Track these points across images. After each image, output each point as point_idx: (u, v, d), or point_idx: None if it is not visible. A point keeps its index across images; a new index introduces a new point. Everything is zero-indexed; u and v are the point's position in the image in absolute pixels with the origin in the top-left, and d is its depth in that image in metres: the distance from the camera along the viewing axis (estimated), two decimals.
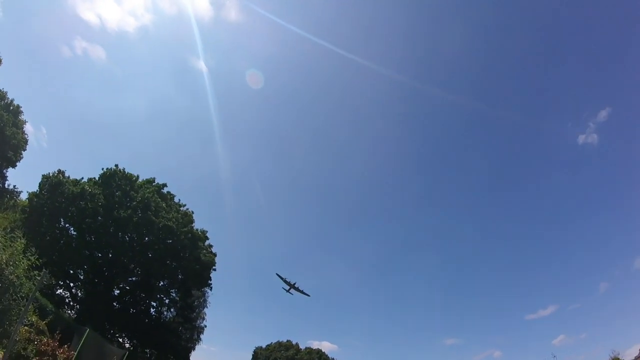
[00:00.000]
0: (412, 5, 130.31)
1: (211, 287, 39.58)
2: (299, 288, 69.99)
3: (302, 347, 67.13)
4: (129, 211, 35.61)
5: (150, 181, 37.80)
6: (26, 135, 46.61)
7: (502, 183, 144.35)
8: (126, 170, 36.98)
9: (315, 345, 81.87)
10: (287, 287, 69.49)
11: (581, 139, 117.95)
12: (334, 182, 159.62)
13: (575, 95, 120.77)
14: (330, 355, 72.31)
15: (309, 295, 71.90)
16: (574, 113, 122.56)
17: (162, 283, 37.35)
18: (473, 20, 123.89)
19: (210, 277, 38.32)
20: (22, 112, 46.35)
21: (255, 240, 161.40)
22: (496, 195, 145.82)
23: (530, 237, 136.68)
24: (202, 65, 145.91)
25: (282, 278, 68.27)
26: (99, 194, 36.81)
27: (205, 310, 42.79)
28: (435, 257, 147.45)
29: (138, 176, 37.19)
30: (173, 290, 37.99)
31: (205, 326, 42.91)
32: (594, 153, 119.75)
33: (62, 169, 38.47)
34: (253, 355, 67.43)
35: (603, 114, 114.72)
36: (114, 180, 36.80)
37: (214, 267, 38.23)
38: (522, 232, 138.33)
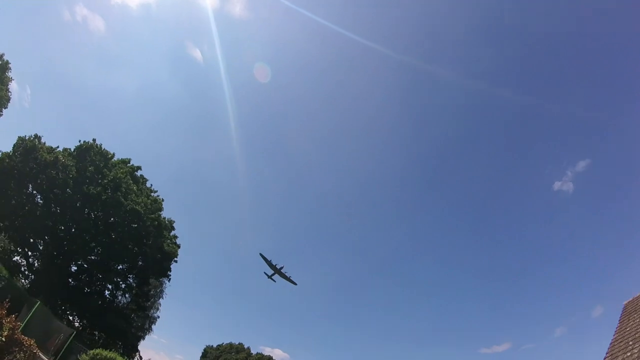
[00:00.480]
0: None
1: (170, 278, 42.56)
2: (286, 274, 66.48)
3: (253, 351, 69.72)
4: (99, 188, 38.36)
5: (125, 161, 40.53)
6: (10, 93, 49.27)
7: (469, 215, 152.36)
8: (103, 147, 39.65)
9: (267, 351, 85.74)
10: (271, 272, 65.88)
11: (557, 185, 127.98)
12: (321, 185, 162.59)
13: (559, 141, 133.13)
14: None
15: (295, 284, 68.64)
16: (554, 159, 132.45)
17: (120, 267, 40.08)
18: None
19: (171, 268, 41.23)
20: (10, 68, 49.02)
21: (227, 239, 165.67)
22: (463, 225, 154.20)
23: (494, 271, 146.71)
24: (198, 54, 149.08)
25: (266, 260, 64.11)
26: (72, 166, 39.51)
27: (161, 300, 45.68)
28: (398, 281, 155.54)
29: (114, 154, 39.90)
30: (131, 276, 40.70)
31: (159, 317, 45.85)
32: (568, 201, 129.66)
33: (39, 134, 41.21)
34: (203, 353, 69.71)
35: (582, 165, 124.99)
36: (89, 155, 39.49)
37: (175, 259, 41.10)
38: (486, 265, 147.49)
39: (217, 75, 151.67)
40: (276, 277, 67.71)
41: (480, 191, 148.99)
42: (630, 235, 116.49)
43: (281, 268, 65.38)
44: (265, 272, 66.66)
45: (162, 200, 40.89)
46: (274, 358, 71.38)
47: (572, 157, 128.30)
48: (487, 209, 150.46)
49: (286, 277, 66.72)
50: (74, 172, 39.26)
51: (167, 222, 40.89)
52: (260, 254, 64.63)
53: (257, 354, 69.25)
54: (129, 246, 38.52)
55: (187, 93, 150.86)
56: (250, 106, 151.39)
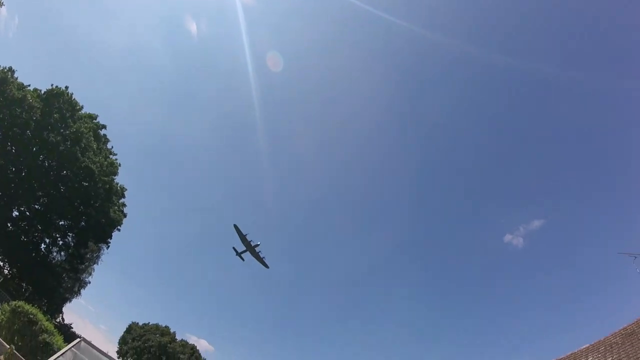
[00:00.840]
0: None
1: (109, 246, 43.37)
2: (260, 254, 62.61)
3: (178, 337, 70.33)
4: (59, 138, 39.25)
5: (92, 117, 41.44)
6: None
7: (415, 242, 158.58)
8: (73, 97, 40.54)
9: (192, 340, 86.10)
10: (242, 249, 61.82)
11: (507, 238, 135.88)
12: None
13: (520, 197, 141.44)
14: (203, 355, 75.89)
15: (267, 267, 64.71)
16: (511, 212, 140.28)
17: (62, 222, 40.90)
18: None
19: (112, 236, 42.11)
20: None
21: (186, 220, 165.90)
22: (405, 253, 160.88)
23: (428, 309, 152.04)
24: (194, 28, 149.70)
25: (240, 233, 59.90)
26: (38, 108, 40.42)
27: (95, 266, 46.36)
28: (340, 299, 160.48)
29: (82, 107, 40.80)
30: (70, 235, 41.52)
31: (90, 282, 46.53)
32: (514, 255, 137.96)
33: (13, 68, 42.19)
34: (127, 328, 69.74)
35: (536, 224, 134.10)
36: (58, 101, 40.39)
37: (119, 227, 41.98)
38: (421, 303, 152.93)
39: (211, 54, 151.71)
40: (247, 256, 63.57)
41: (433, 228, 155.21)
42: (564, 301, 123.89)
43: (256, 246, 61.73)
44: (234, 248, 62.91)
45: (119, 165, 41.91)
46: (197, 348, 72.62)
47: (529, 214, 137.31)
48: (433, 246, 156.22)
49: (259, 257, 63.13)
50: (38, 115, 40.13)
51: (118, 188, 41.76)
52: (235, 226, 60.15)
53: (182, 340, 69.88)
54: (75, 204, 39.36)
55: (174, 65, 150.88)
56: (238, 88, 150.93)
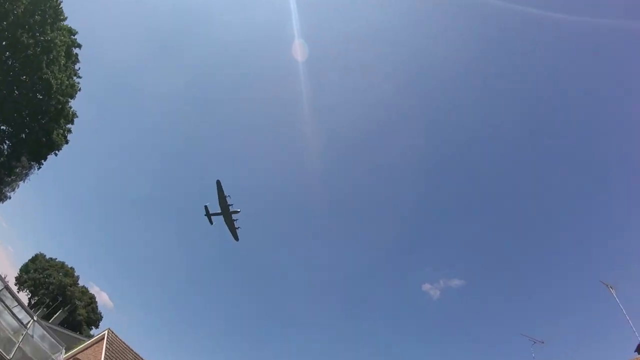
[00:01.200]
0: None
1: (40, 167, 42.77)
2: (235, 223, 57.87)
3: (80, 283, 70.65)
4: (31, 41, 38.68)
5: (71, 31, 41.01)
6: None
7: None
8: (61, 5, 40.05)
9: (94, 290, 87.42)
10: (218, 210, 57.14)
11: (426, 287, 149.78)
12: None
13: (450, 253, 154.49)
14: (100, 308, 77.74)
15: (237, 240, 59.98)
16: (436, 265, 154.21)
17: (4, 127, 40.25)
18: None
19: (47, 158, 41.55)
20: None
21: (131, 168, 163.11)
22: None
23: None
24: None
25: (221, 192, 55.39)
26: (23, 4, 39.77)
27: (21, 183, 45.59)
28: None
29: (66, 18, 40.32)
30: (8, 142, 40.87)
31: (10, 198, 45.73)
32: (426, 304, 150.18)
33: None
34: (33, 258, 69.15)
35: (455, 282, 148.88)
36: (44, 4, 39.78)
37: (57, 151, 41.47)
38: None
39: (213, 17, 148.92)
40: (217, 220, 58.47)
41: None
42: None
43: (234, 212, 56.75)
44: (206, 206, 57.87)
45: (79, 89, 41.38)
46: (96, 299, 72.54)
47: (452, 272, 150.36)
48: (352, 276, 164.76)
49: (233, 226, 57.94)
50: (20, 11, 39.57)
51: (70, 112, 41.24)
52: (217, 182, 54.92)
53: (83, 287, 70.49)
54: (23, 113, 38.77)
55: (173, 16, 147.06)
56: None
